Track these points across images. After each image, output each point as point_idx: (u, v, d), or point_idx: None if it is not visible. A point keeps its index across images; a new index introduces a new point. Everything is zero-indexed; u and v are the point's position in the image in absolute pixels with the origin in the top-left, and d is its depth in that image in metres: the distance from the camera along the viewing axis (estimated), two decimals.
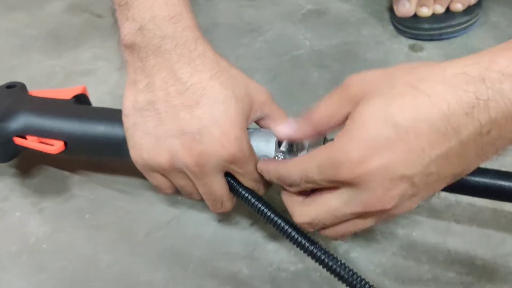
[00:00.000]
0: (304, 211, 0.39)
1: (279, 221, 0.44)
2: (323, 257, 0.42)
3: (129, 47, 0.46)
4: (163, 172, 0.46)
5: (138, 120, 0.45)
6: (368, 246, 0.51)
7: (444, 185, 0.35)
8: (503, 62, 0.31)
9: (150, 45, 0.44)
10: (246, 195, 0.46)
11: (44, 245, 0.53)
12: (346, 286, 0.41)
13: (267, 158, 0.45)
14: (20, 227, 0.55)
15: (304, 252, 0.43)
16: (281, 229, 0.44)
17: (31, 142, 0.51)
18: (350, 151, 0.33)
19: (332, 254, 0.42)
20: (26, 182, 0.59)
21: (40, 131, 0.51)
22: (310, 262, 0.49)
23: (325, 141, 0.45)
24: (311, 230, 0.41)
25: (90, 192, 0.58)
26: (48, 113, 0.52)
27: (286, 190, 0.42)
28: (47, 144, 0.51)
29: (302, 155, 0.43)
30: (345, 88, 0.37)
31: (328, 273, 0.48)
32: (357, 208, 0.35)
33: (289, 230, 0.43)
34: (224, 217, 0.54)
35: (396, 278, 0.48)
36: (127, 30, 0.45)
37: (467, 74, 0.31)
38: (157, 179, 0.47)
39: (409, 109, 0.32)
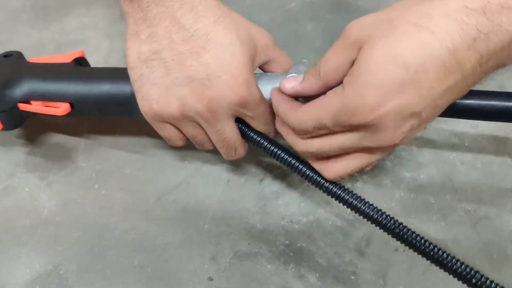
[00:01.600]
0: (308, 143, 0.40)
1: (295, 162, 0.44)
2: (342, 194, 0.42)
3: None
4: (174, 122, 0.46)
5: (144, 71, 0.44)
6: (377, 191, 0.52)
7: (440, 111, 0.37)
8: None
9: None
10: (259, 139, 0.46)
11: (58, 218, 0.53)
12: (366, 219, 0.42)
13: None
14: (31, 202, 0.55)
15: (323, 190, 0.44)
16: (297, 170, 0.44)
17: (37, 106, 0.51)
18: (365, 97, 0.34)
19: (351, 191, 0.43)
20: (30, 158, 0.59)
21: (44, 95, 0.51)
22: (321, 213, 0.51)
23: None
24: (312, 158, 0.42)
25: (95, 162, 0.58)
26: (51, 77, 0.51)
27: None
28: (53, 107, 0.51)
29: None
30: (345, 37, 0.37)
31: (340, 222, 0.50)
32: (367, 144, 0.37)
33: (305, 170, 0.44)
34: (233, 176, 0.55)
35: (406, 221, 0.49)
36: None
37: (468, 7, 0.32)
38: (168, 131, 0.47)
39: (416, 48, 0.32)
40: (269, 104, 0.45)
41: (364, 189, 0.52)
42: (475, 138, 0.54)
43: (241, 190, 0.54)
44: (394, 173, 0.53)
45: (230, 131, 0.45)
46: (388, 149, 0.39)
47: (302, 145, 0.41)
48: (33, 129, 0.60)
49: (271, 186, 0.54)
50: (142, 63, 0.44)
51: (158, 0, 0.43)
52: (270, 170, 0.55)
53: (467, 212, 0.49)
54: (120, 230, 0.52)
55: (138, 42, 0.45)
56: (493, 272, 0.45)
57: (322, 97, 0.38)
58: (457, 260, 0.38)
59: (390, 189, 0.52)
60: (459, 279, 0.38)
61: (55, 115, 0.51)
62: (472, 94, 0.42)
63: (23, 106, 0.52)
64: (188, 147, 0.56)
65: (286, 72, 0.47)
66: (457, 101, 0.39)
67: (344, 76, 0.37)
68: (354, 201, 0.42)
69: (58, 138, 0.60)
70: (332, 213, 0.51)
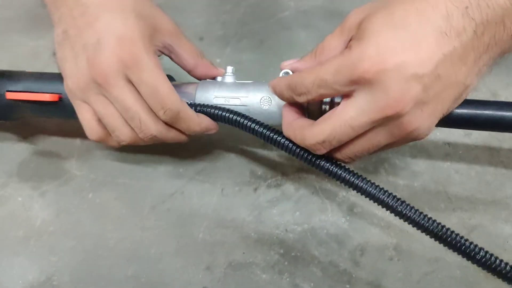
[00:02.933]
0: (316, 130, 0.39)
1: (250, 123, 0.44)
2: (307, 156, 0.42)
3: None
4: (84, 97, 0.45)
5: (59, 52, 0.46)
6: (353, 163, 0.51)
7: (449, 100, 0.37)
8: None
9: None
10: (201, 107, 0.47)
11: (51, 228, 0.53)
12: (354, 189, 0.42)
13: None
14: (24, 212, 0.54)
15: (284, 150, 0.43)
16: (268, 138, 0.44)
17: (24, 94, 0.51)
18: (367, 51, 0.35)
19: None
20: (23, 167, 0.58)
21: (36, 87, 0.51)
22: (315, 222, 0.51)
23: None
24: (324, 150, 0.40)
25: (89, 171, 0.58)
26: (43, 76, 0.52)
27: (286, 118, 0.43)
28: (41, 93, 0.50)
29: None
30: (345, 21, 0.40)
31: (335, 230, 0.49)
32: (374, 113, 0.36)
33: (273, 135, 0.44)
34: (228, 185, 0.55)
35: (400, 229, 0.49)
36: None
37: None
38: (84, 113, 0.46)
39: (413, 13, 0.35)
40: (167, 84, 0.44)
41: (358, 197, 0.52)
42: (469, 147, 0.54)
43: (235, 199, 0.54)
44: (389, 181, 0.53)
45: (130, 97, 0.44)
46: (396, 129, 0.37)
47: (312, 136, 0.39)
48: (26, 139, 0.60)
49: (265, 195, 0.54)
50: (58, 45, 0.46)
51: None
52: (265, 179, 0.55)
53: (461, 220, 0.49)
54: (114, 240, 0.52)
55: (55, 27, 0.46)
56: (488, 281, 0.46)
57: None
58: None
59: None
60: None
61: (44, 101, 0.50)
62: (465, 103, 0.42)
63: (10, 95, 0.51)
64: (182, 155, 0.56)
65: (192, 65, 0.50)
66: (452, 110, 0.39)
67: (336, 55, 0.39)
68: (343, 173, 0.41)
69: (51, 148, 0.60)
70: (327, 222, 0.51)
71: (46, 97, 0.50)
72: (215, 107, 0.47)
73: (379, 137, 0.38)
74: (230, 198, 0.54)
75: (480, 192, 0.51)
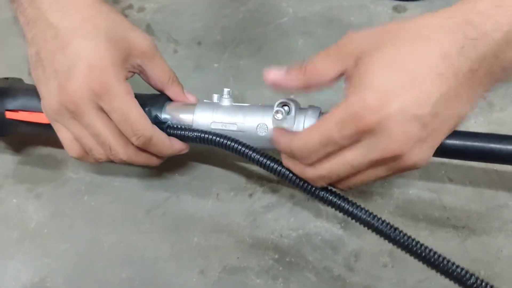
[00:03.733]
0: (319, 167, 0.40)
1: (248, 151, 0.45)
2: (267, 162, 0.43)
3: (13, 1, 0.47)
4: (60, 120, 0.46)
5: (34, 73, 0.46)
6: (366, 207, 0.52)
7: (445, 132, 0.38)
8: (485, 6, 0.35)
9: None
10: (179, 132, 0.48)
11: (45, 230, 0.53)
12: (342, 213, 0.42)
13: (281, 128, 0.45)
14: (19, 214, 0.54)
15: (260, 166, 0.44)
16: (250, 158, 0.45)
17: (23, 114, 0.51)
18: (368, 99, 0.35)
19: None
20: (19, 169, 0.58)
21: (35, 107, 0.51)
22: (310, 227, 0.51)
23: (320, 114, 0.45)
24: (324, 184, 0.41)
25: (85, 174, 0.58)
26: None
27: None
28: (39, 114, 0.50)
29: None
30: (342, 45, 0.39)
31: (329, 236, 0.50)
32: (375, 154, 0.37)
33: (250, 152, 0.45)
34: (223, 190, 0.55)
35: None
36: None
37: (455, 18, 0.36)
38: (61, 133, 0.47)
39: (411, 54, 0.36)
40: (138, 110, 0.45)
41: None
42: None
43: (230, 204, 0.54)
44: (384, 188, 0.53)
45: (101, 124, 0.44)
46: (395, 164, 0.38)
47: (311, 171, 0.40)
48: (23, 140, 0.60)
49: (260, 200, 0.54)
50: (32, 66, 0.46)
51: (33, 4, 0.45)
52: (260, 184, 0.55)
53: (455, 228, 0.49)
54: (108, 243, 0.52)
55: (28, 46, 0.46)
56: None
57: (324, 116, 0.39)
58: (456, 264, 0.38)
59: (379, 205, 0.52)
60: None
61: (40, 125, 0.50)
62: (456, 134, 0.43)
63: (9, 114, 0.51)
64: (178, 160, 0.56)
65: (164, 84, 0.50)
66: (453, 141, 0.40)
67: (328, 80, 0.40)
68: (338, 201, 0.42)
69: (48, 150, 0.60)
70: (321, 228, 0.51)
71: (46, 119, 0.49)
72: (188, 129, 0.48)
73: (377, 172, 0.39)
74: (226, 203, 0.54)
75: (474, 201, 0.51)
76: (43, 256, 0.51)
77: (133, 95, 0.45)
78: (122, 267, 0.50)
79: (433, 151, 0.38)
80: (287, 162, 0.43)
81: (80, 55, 0.43)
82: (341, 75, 0.39)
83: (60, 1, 0.45)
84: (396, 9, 0.72)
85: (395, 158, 0.37)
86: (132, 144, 0.46)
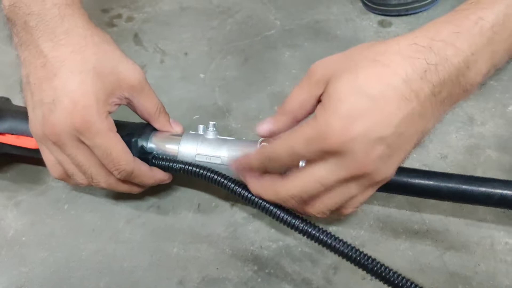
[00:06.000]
0: (289, 185, 0.41)
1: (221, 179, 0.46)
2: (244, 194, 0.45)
3: (8, 21, 0.48)
4: (44, 144, 0.47)
5: (24, 93, 0.47)
6: (347, 219, 0.52)
7: (410, 148, 0.39)
8: (446, 33, 0.37)
9: (19, 21, 0.46)
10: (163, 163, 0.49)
11: (23, 238, 0.53)
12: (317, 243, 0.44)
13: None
14: None
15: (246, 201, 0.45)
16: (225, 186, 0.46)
17: (10, 138, 0.51)
18: (333, 123, 0.36)
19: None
20: None
21: (23, 130, 0.51)
22: (290, 239, 0.51)
23: None
24: (296, 204, 0.42)
25: (66, 183, 0.57)
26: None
27: (253, 178, 0.44)
28: (25, 139, 0.51)
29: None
30: (311, 74, 0.41)
31: (309, 248, 0.49)
32: (342, 173, 0.38)
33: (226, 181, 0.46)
34: (204, 201, 0.55)
35: (374, 249, 0.49)
36: (4, 4, 0.47)
37: (418, 44, 0.37)
38: (45, 154, 0.48)
39: (375, 80, 0.37)
40: (119, 145, 0.46)
41: (334, 217, 0.52)
42: (444, 169, 0.54)
43: (211, 215, 0.54)
44: (364, 203, 0.53)
45: (82, 156, 0.46)
46: (364, 182, 0.39)
47: (284, 191, 0.41)
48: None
49: (241, 211, 0.54)
50: (23, 87, 0.47)
51: (25, 27, 0.46)
52: None
53: (434, 242, 0.49)
54: (87, 252, 0.52)
55: (21, 65, 0.47)
56: None
57: (295, 127, 0.40)
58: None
59: (360, 217, 0.52)
60: None
61: (27, 148, 0.51)
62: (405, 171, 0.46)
63: None
64: None
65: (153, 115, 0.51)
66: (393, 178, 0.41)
67: (309, 110, 0.42)
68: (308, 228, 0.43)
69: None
70: (301, 240, 0.51)
71: (32, 144, 0.50)
72: (173, 161, 0.49)
73: (350, 190, 0.40)
74: (206, 213, 0.54)
75: (453, 215, 0.51)
76: (20, 265, 0.51)
77: (115, 131, 0.46)
78: (100, 276, 0.50)
79: (399, 164, 0.39)
80: (256, 187, 0.44)
81: (65, 89, 0.44)
82: (318, 100, 0.41)
83: (52, 30, 0.45)
84: (381, 23, 0.73)
85: (363, 175, 0.38)
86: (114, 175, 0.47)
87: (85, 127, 0.44)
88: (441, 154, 0.56)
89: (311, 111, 0.42)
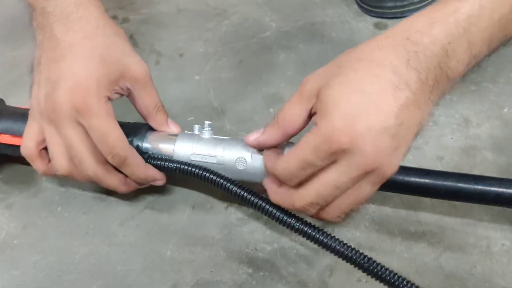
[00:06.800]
0: (304, 193, 0.41)
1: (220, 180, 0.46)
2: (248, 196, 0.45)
3: (29, 6, 0.51)
4: (39, 122, 0.48)
5: (34, 72, 0.49)
6: (342, 221, 0.51)
7: (411, 139, 0.39)
8: (421, 24, 0.39)
9: (38, 7, 0.49)
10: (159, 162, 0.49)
11: (15, 241, 0.52)
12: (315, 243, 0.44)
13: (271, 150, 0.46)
14: None
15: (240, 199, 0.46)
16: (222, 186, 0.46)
17: (5, 137, 0.51)
18: (336, 124, 0.37)
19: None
20: None
21: (16, 131, 0.51)
22: (285, 241, 0.51)
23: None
24: (314, 211, 0.42)
25: (59, 184, 0.57)
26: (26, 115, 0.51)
27: (273, 186, 0.44)
28: (20, 138, 0.50)
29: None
30: (302, 88, 0.42)
31: (304, 250, 0.49)
32: (354, 171, 0.38)
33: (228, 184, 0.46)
34: (198, 202, 0.54)
35: (370, 251, 0.49)
36: None
37: (395, 36, 0.39)
38: (30, 128, 0.49)
39: (365, 75, 0.38)
40: (116, 130, 0.46)
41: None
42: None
43: (206, 217, 0.53)
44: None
45: (76, 138, 0.46)
46: (375, 177, 0.39)
47: (299, 199, 0.42)
48: None
49: (236, 213, 0.53)
50: (34, 66, 0.49)
51: (43, 12, 0.49)
52: None
53: (430, 244, 0.49)
54: (80, 255, 0.51)
55: (36, 46, 0.49)
56: None
57: (299, 141, 0.40)
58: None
59: (356, 219, 0.52)
60: None
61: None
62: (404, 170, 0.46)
63: None
64: None
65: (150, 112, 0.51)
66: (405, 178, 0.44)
67: (300, 124, 0.42)
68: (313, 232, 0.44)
69: (22, 158, 0.59)
70: (296, 242, 0.50)
71: None
72: (168, 160, 0.49)
73: (363, 189, 0.40)
74: (201, 215, 0.54)
75: (449, 216, 0.51)
76: (12, 268, 0.50)
77: (113, 116, 0.47)
78: (94, 279, 0.49)
79: (403, 157, 0.40)
80: (275, 197, 0.44)
81: (70, 71, 0.45)
82: (310, 114, 0.42)
83: (67, 16, 0.47)
84: (377, 25, 0.73)
85: (374, 170, 0.39)
86: (104, 164, 0.47)
87: (85, 108, 0.44)
88: (437, 155, 0.56)
89: (302, 126, 0.43)
